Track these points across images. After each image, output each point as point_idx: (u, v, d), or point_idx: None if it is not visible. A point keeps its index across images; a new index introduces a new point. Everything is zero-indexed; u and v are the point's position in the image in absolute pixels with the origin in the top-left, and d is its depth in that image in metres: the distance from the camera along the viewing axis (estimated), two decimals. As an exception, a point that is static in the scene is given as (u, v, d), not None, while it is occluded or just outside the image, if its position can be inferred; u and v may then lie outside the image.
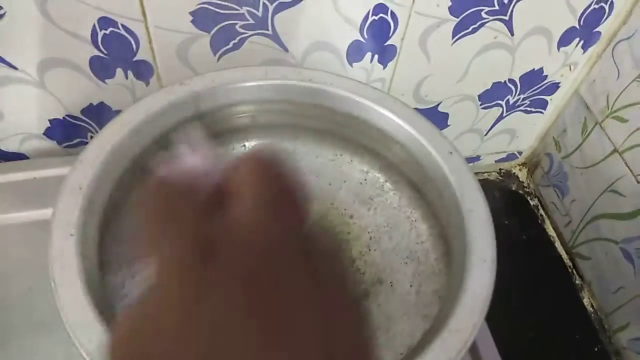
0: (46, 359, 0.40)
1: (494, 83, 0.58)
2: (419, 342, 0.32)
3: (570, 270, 0.65)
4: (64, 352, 0.40)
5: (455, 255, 0.34)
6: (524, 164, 0.73)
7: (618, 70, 0.55)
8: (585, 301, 0.63)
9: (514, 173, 0.73)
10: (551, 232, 0.68)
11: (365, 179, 0.46)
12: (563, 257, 0.67)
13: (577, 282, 0.64)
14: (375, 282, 0.40)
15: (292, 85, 0.40)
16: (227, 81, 0.39)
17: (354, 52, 0.49)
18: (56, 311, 0.42)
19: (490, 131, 0.65)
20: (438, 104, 0.58)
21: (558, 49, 0.56)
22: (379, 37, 0.48)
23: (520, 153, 0.71)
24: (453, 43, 0.51)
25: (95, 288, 0.29)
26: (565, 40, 0.55)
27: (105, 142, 0.34)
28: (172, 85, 0.38)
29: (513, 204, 0.71)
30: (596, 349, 0.60)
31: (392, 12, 0.47)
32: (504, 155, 0.70)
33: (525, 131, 0.67)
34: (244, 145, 0.46)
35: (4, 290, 0.43)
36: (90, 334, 0.26)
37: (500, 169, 0.72)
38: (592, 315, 0.62)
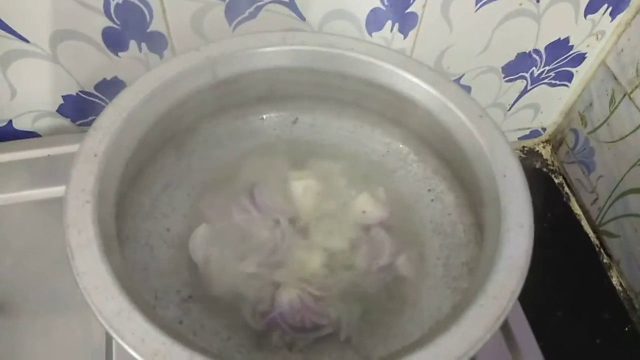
0: (62, 337, 0.39)
1: (518, 54, 0.55)
2: (453, 309, 0.31)
3: (597, 249, 0.63)
4: (81, 329, 0.39)
5: (488, 223, 0.32)
6: (547, 141, 0.70)
7: (649, 37, 0.53)
8: (614, 280, 0.61)
9: (538, 151, 0.71)
10: (577, 210, 0.66)
11: (388, 151, 0.44)
12: (590, 235, 0.64)
13: (605, 260, 0.62)
14: (400, 255, 0.39)
15: (311, 51, 0.39)
16: (243, 47, 0.37)
17: (374, 21, 0.48)
18: (72, 288, 0.41)
19: (514, 106, 0.63)
20: (460, 77, 0.56)
21: (585, 16, 0.54)
22: (399, 3, 0.46)
23: (544, 130, 0.68)
24: (476, 10, 0.49)
25: (112, 257, 0.27)
26: (592, 7, 0.53)
27: (120, 109, 0.33)
28: (187, 52, 0.36)
29: (537, 183, 0.68)
30: (626, 329, 0.58)
31: (413, -23, 0.45)
32: (527, 132, 0.68)
33: (550, 106, 0.65)
34: (262, 118, 0.44)
35: (18, 268, 0.42)
36: (107, 300, 0.25)
37: (523, 147, 0.70)
38: (622, 294, 0.60)
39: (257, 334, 0.35)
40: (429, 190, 0.41)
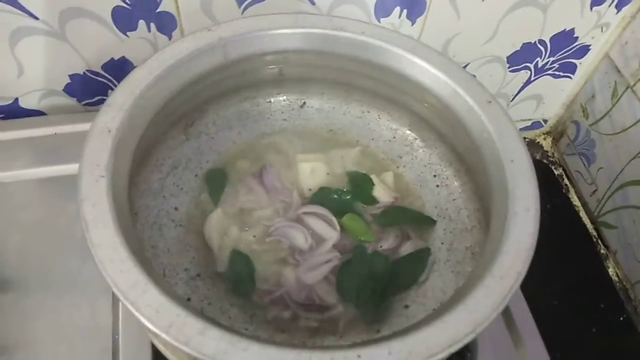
0: (69, 314, 0.40)
1: (523, 44, 0.56)
2: (458, 290, 0.32)
3: (595, 240, 0.64)
4: (88, 306, 0.40)
5: (494, 207, 0.32)
6: (548, 133, 0.71)
7: (654, 30, 0.53)
8: (611, 271, 0.62)
9: (538, 142, 0.71)
10: (576, 201, 0.67)
11: (394, 137, 0.44)
12: (588, 226, 0.65)
13: (602, 251, 0.63)
14: (404, 239, 0.39)
15: (322, 34, 0.39)
16: (255, 28, 0.38)
17: (382, 6, 0.48)
18: (78, 266, 0.42)
19: (517, 96, 0.63)
20: (465, 66, 0.56)
21: (591, 8, 0.54)
22: (409, -11, 0.47)
23: (545, 121, 0.69)
24: (484, -1, 0.49)
25: (126, 231, 0.28)
26: (599, -2, 0.53)
27: (133, 86, 0.33)
28: (199, 31, 0.37)
29: (537, 174, 0.69)
30: (621, 319, 0.59)
31: (423, -36, 0.45)
32: (528, 124, 0.69)
33: (552, 97, 0.65)
34: (270, 102, 0.45)
35: (25, 245, 0.43)
36: (122, 272, 0.25)
37: (524, 138, 0.71)
38: (618, 284, 0.61)
39: (264, 311, 0.35)
40: (435, 175, 0.42)
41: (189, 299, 0.34)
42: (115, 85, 0.50)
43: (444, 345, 0.25)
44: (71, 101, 0.51)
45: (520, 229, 0.29)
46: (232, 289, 0.36)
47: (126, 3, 0.43)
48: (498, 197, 0.32)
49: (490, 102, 0.35)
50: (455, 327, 0.26)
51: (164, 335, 0.24)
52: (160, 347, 0.36)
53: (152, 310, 0.25)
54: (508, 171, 0.32)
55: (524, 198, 0.30)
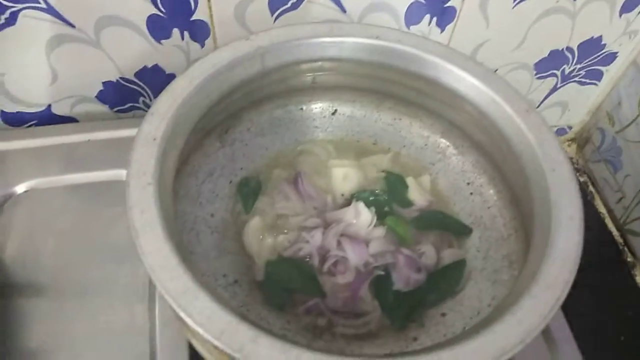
0: (106, 321, 0.40)
1: (551, 51, 0.56)
2: (502, 300, 0.31)
3: (621, 247, 0.64)
4: (124, 312, 0.40)
5: (536, 216, 0.32)
6: (573, 139, 0.71)
7: (684, 37, 0.53)
8: (638, 279, 0.61)
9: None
10: (602, 208, 0.66)
11: (426, 144, 0.44)
12: (614, 234, 0.65)
13: (629, 259, 0.63)
14: (444, 246, 0.39)
15: (357, 42, 0.39)
16: (292, 37, 0.38)
17: (413, 14, 0.48)
18: (112, 271, 0.42)
19: (543, 103, 0.63)
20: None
21: (620, 15, 0.54)
22: (440, -2, 0.47)
23: (570, 128, 0.69)
24: (514, 6, 0.49)
25: (174, 238, 0.28)
26: (628, 6, 0.53)
27: (175, 95, 0.33)
28: (238, 41, 0.37)
29: (561, 180, 0.68)
30: (649, 327, 0.58)
31: (455, -28, 0.45)
32: (554, 130, 0.68)
33: (578, 104, 0.65)
34: (302, 109, 0.45)
35: (58, 251, 0.43)
36: (173, 279, 0.26)
37: (548, 144, 0.70)
38: (645, 293, 0.60)
39: (299, 318, 0.35)
40: (468, 183, 0.42)
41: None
42: (148, 94, 0.51)
43: (494, 355, 0.25)
44: (103, 108, 0.51)
45: (565, 238, 0.29)
46: (267, 299, 0.36)
47: (161, 11, 0.43)
48: (539, 206, 0.32)
49: (528, 110, 0.35)
50: (505, 338, 0.26)
51: (216, 342, 0.24)
52: (200, 349, 0.36)
53: (204, 317, 0.25)
54: (550, 180, 0.32)
55: (567, 207, 0.30)
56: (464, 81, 0.37)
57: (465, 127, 0.41)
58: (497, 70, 0.56)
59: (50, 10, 0.42)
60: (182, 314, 0.25)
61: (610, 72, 0.61)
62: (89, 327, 0.40)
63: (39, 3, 0.41)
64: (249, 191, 0.41)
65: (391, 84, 0.42)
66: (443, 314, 0.36)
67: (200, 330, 0.25)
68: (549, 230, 0.30)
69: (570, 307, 0.58)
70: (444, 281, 0.37)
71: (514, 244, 0.37)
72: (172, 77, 0.49)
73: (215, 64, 0.35)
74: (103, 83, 0.49)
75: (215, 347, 0.25)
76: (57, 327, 0.39)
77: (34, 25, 0.42)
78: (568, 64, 0.58)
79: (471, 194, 0.41)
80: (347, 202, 0.40)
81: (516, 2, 0.49)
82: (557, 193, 0.31)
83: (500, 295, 0.35)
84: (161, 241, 0.27)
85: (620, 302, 0.60)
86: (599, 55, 0.58)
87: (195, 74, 0.35)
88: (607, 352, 0.56)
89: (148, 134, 0.31)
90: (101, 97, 0.50)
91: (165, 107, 0.33)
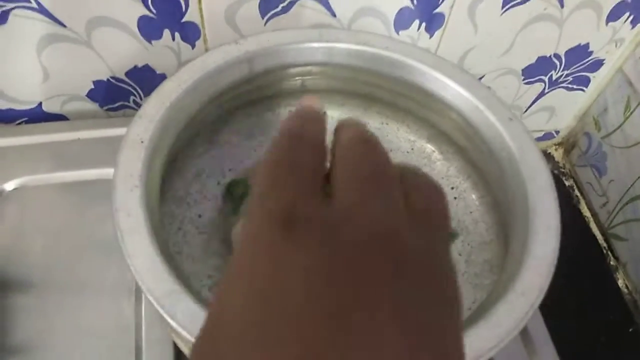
0: (93, 318, 0.41)
1: (539, 57, 0.56)
2: (480, 306, 0.32)
3: (605, 252, 0.65)
4: (112, 310, 0.41)
5: (514, 223, 0.33)
6: (560, 144, 0.72)
7: (669, 46, 0.54)
8: (620, 282, 0.62)
9: (550, 153, 0.72)
10: (586, 212, 0.68)
11: (412, 148, 0.45)
12: (598, 237, 0.66)
13: (612, 263, 0.64)
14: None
15: (346, 48, 0.40)
16: (281, 42, 0.38)
17: (402, 19, 0.49)
18: (100, 269, 0.43)
19: (530, 108, 0.64)
20: (481, 78, 0.57)
21: (606, 23, 0.55)
22: (428, 3, 0.47)
23: (557, 132, 0.70)
24: (502, 13, 0.50)
25: (160, 241, 0.28)
26: (614, 14, 0.54)
27: (163, 98, 0.34)
28: (227, 44, 0.37)
29: (547, 184, 0.69)
30: (630, 330, 0.59)
31: (444, -21, 0.46)
32: (540, 135, 0.69)
33: (565, 109, 0.66)
34: (291, 111, 0.45)
35: (47, 249, 0.43)
36: (158, 282, 0.26)
37: (535, 148, 0.71)
38: (627, 296, 0.61)
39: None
40: (452, 188, 0.43)
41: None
42: (138, 93, 0.51)
43: (467, 358, 0.26)
44: (93, 106, 0.52)
45: (541, 245, 0.30)
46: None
47: (152, 12, 0.44)
48: (518, 213, 0.33)
49: (511, 119, 0.36)
50: (478, 342, 0.26)
51: (198, 344, 0.25)
52: (183, 349, 0.36)
53: (187, 319, 0.25)
54: (529, 188, 0.33)
55: (545, 215, 0.31)
56: (449, 89, 0.38)
57: (451, 133, 0.42)
58: (485, 75, 0.57)
59: (42, 10, 0.42)
60: (166, 316, 0.25)
61: (597, 79, 0.62)
62: (76, 324, 0.40)
63: (30, 2, 0.41)
64: (238, 192, 0.41)
65: (379, 89, 0.43)
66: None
67: (183, 332, 0.25)
68: (527, 237, 0.30)
69: (552, 310, 0.59)
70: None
71: (495, 249, 0.38)
72: (162, 77, 0.49)
73: (203, 67, 0.36)
74: (94, 82, 0.49)
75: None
76: (44, 324, 0.40)
77: (25, 25, 0.43)
78: (555, 70, 0.59)
79: (455, 198, 0.42)
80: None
81: (504, 9, 0.50)
82: (535, 201, 0.32)
83: (481, 299, 0.36)
84: (146, 244, 0.27)
85: (602, 306, 0.61)
86: (585, 62, 0.59)
87: (184, 77, 0.35)
88: (588, 355, 0.57)
89: (136, 137, 0.32)
90: (92, 95, 0.50)
91: (154, 110, 0.33)
